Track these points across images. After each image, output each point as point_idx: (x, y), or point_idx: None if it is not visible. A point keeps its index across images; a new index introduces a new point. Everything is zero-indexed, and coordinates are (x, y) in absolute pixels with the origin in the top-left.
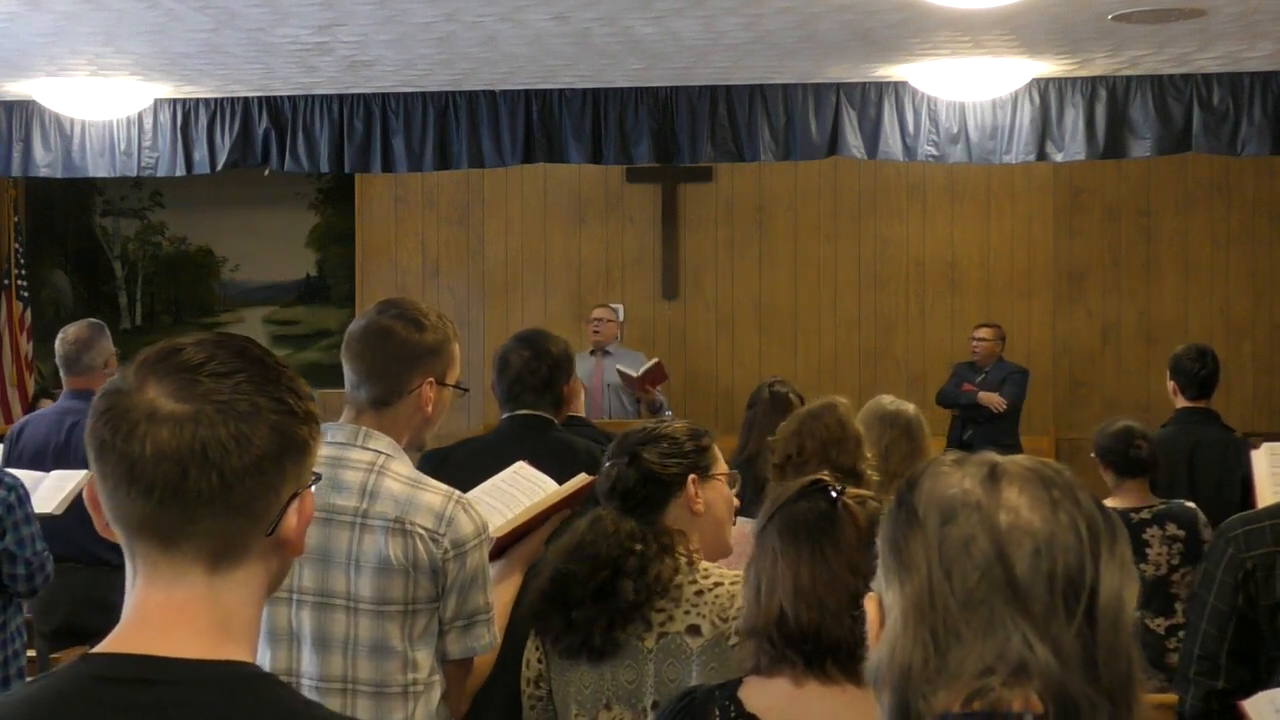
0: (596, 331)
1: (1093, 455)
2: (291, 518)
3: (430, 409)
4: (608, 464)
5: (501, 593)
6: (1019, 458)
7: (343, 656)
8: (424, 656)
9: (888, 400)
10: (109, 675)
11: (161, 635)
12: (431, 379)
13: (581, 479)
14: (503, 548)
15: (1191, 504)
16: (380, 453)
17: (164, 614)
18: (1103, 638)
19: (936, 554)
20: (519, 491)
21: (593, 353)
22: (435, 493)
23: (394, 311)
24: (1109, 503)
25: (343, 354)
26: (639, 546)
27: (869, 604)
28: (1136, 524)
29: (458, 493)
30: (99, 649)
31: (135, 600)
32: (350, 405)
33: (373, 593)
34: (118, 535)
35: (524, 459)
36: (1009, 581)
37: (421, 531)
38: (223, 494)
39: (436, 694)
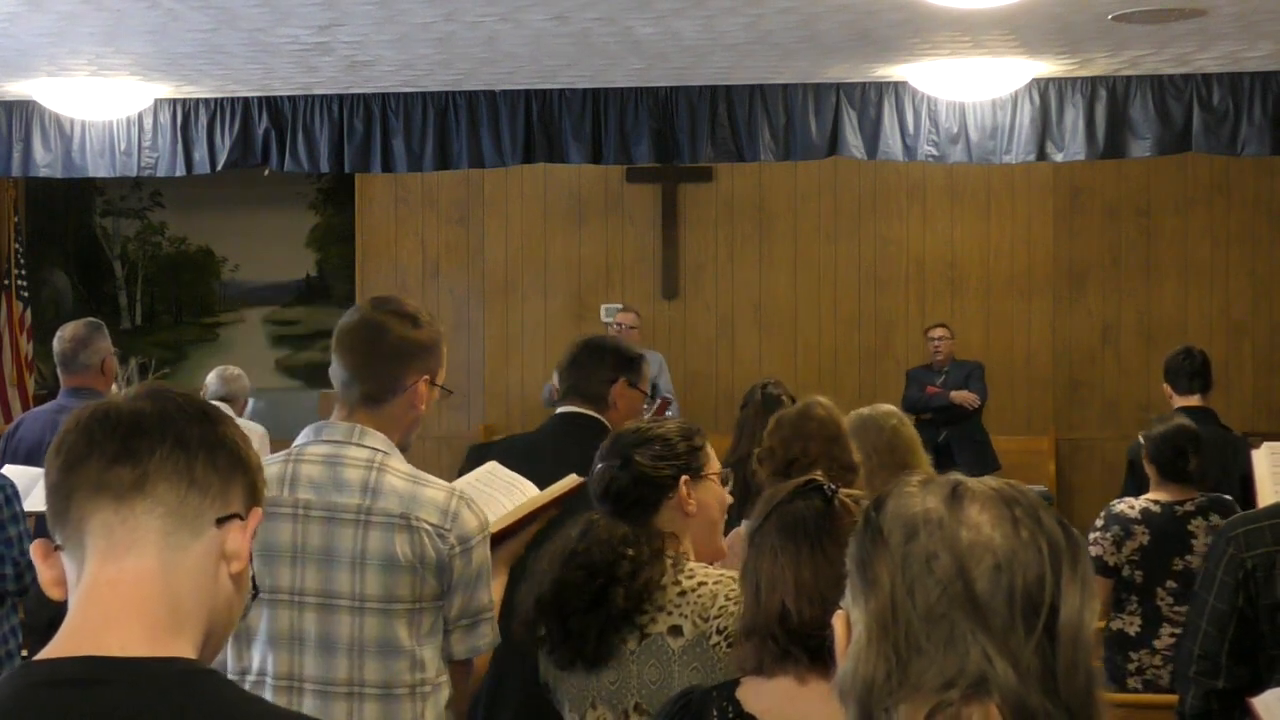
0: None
1: (1141, 441)
2: (236, 532)
3: (422, 408)
4: (600, 465)
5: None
6: (985, 479)
7: (348, 658)
8: (431, 656)
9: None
10: (52, 680)
11: (107, 631)
12: (426, 377)
13: (571, 480)
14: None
15: (1229, 496)
16: (377, 450)
17: (114, 598)
18: (1062, 653)
19: (900, 571)
20: (496, 491)
21: None
22: (438, 489)
23: (388, 308)
24: (1152, 495)
25: (334, 348)
26: (631, 551)
27: (837, 621)
28: (1181, 516)
29: (459, 488)
30: (42, 655)
31: (86, 583)
32: (342, 403)
33: (379, 591)
34: (71, 530)
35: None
36: (969, 597)
37: (428, 527)
38: (184, 458)
39: (444, 695)
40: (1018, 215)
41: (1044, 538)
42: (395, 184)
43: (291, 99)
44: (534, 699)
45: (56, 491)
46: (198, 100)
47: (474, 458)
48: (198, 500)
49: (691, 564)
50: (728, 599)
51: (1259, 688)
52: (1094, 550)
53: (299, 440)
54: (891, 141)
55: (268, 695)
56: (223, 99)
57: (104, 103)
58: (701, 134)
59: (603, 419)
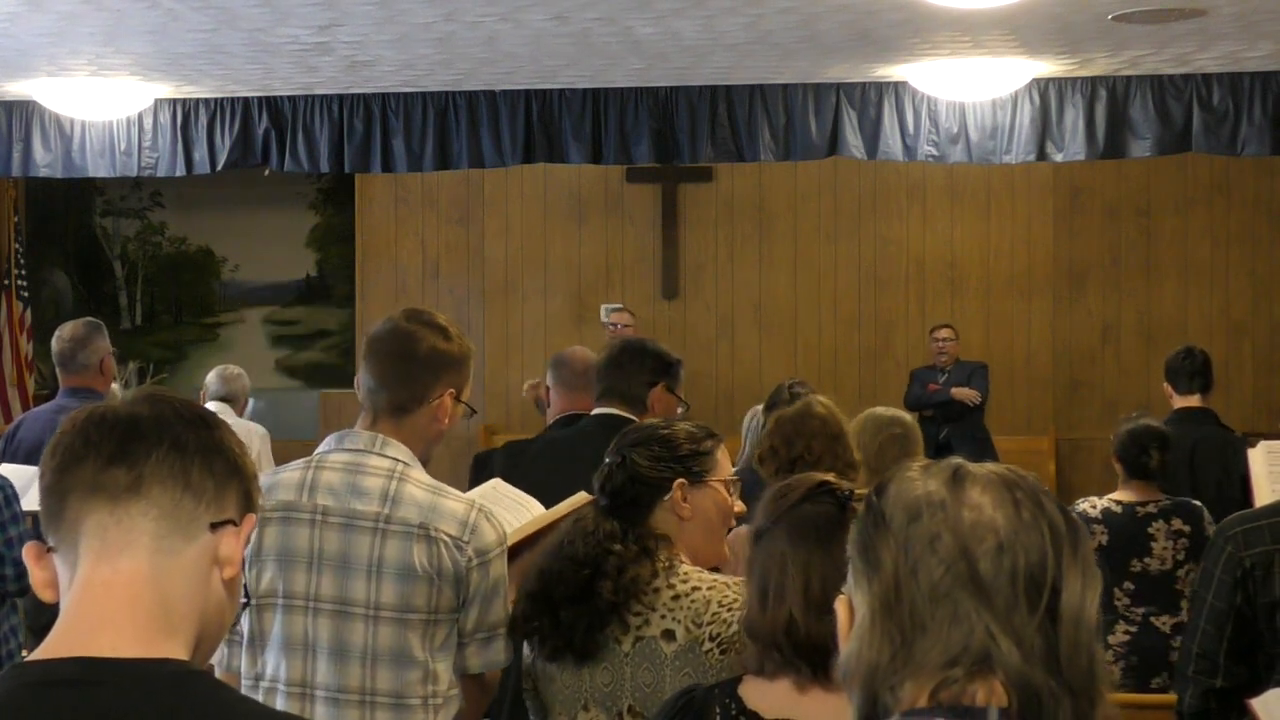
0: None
1: (1111, 439)
2: (230, 538)
3: (447, 422)
4: (605, 460)
5: None
6: (985, 464)
7: (361, 666)
8: (444, 669)
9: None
10: (45, 681)
11: (100, 631)
12: (453, 390)
13: (581, 497)
14: None
15: (1197, 501)
16: (398, 460)
17: (107, 599)
18: (1065, 634)
19: (903, 552)
20: (502, 509)
21: None
22: (458, 500)
23: (421, 319)
24: (1116, 496)
25: (364, 356)
26: (618, 547)
27: (839, 605)
28: (1142, 518)
29: (479, 501)
30: (35, 655)
31: (79, 583)
32: (367, 411)
33: (395, 600)
34: (65, 531)
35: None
36: (973, 576)
37: (447, 539)
38: (180, 462)
39: (454, 709)
40: (1018, 215)
41: (1045, 521)
42: (395, 184)
43: (291, 99)
44: None
45: (51, 492)
46: (198, 100)
47: (510, 453)
48: (192, 504)
49: (686, 568)
50: (721, 605)
51: (1257, 686)
52: None
53: (321, 448)
54: (891, 141)
55: (279, 701)
56: (223, 99)
57: (104, 103)
58: (701, 134)
59: (639, 422)
